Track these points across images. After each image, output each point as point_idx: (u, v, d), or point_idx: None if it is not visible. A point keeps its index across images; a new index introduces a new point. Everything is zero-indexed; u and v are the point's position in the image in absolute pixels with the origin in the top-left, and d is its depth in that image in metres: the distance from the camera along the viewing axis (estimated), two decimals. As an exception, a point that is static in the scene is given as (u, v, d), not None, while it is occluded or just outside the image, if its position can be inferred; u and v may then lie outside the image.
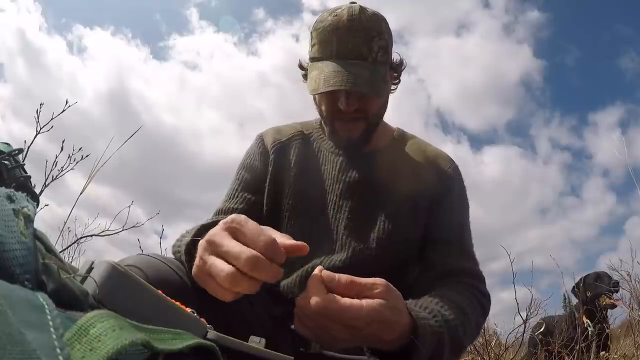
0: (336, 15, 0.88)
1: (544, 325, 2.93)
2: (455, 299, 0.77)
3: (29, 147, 1.79)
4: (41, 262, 0.26)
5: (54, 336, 0.20)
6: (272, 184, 0.99)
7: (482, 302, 0.86)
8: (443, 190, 0.96)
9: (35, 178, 1.21)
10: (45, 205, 2.05)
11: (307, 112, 1.08)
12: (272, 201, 0.98)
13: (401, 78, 1.04)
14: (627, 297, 3.04)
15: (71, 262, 2.35)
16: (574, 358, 2.58)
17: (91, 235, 2.39)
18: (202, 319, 0.40)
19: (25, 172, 1.12)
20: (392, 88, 1.03)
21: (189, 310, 0.39)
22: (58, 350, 0.20)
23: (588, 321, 2.86)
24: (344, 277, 0.60)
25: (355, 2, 0.93)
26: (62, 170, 2.08)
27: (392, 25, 0.97)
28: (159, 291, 0.36)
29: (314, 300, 0.58)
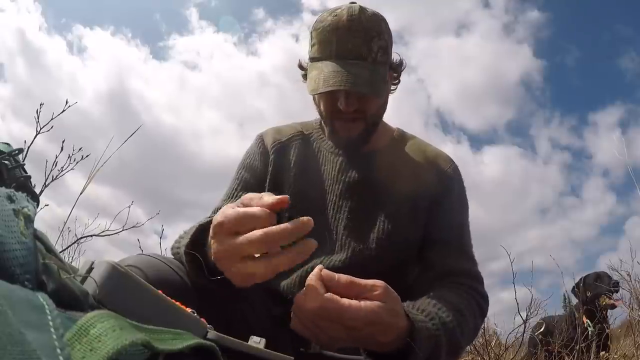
0: (336, 15, 0.88)
1: (544, 325, 2.93)
2: (453, 301, 0.77)
3: (29, 147, 1.79)
4: (41, 262, 0.26)
5: (54, 336, 0.20)
6: (271, 184, 0.99)
7: (480, 303, 0.86)
8: (443, 190, 0.96)
9: (35, 178, 1.21)
10: (45, 205, 2.05)
11: (307, 112, 1.08)
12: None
13: (401, 78, 1.04)
14: (627, 297, 3.05)
15: (71, 262, 2.35)
16: (574, 358, 2.58)
17: (91, 236, 2.39)
18: (202, 319, 0.40)
19: (25, 172, 1.12)
20: (391, 88, 1.03)
21: (189, 310, 0.39)
22: (58, 351, 0.20)
23: (588, 321, 2.86)
24: (343, 278, 0.60)
25: (355, 2, 0.93)
26: (62, 170, 2.08)
27: (392, 25, 0.97)
28: (159, 291, 0.36)
29: (312, 299, 0.58)
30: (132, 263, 0.67)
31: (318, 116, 1.02)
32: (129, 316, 0.27)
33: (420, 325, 0.66)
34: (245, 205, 0.59)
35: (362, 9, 0.89)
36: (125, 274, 0.33)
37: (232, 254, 0.57)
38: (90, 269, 0.33)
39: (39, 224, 0.28)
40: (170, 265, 0.72)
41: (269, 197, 0.57)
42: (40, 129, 1.95)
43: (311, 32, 0.93)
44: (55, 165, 2.06)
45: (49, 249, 0.28)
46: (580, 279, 3.17)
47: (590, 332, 2.77)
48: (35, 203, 0.39)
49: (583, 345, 2.60)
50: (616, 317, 3.14)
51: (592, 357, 2.61)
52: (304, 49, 0.99)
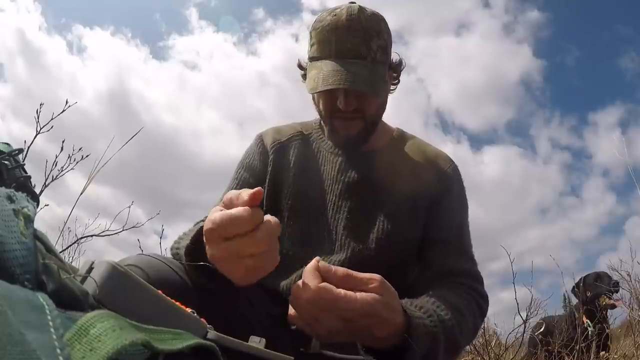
0: (335, 15, 0.88)
1: (544, 325, 2.93)
2: (452, 300, 0.77)
3: (29, 147, 1.79)
4: (41, 262, 0.26)
5: (54, 336, 0.20)
6: (271, 184, 0.99)
7: (480, 303, 0.86)
8: (442, 190, 0.96)
9: (35, 178, 1.21)
10: (45, 205, 2.06)
11: (306, 112, 1.08)
12: (271, 201, 0.98)
13: (401, 78, 1.04)
14: (627, 297, 3.05)
15: (71, 262, 2.35)
16: (574, 358, 2.58)
17: (91, 236, 2.39)
18: (202, 319, 0.40)
19: (25, 172, 1.12)
20: (391, 88, 1.03)
21: (189, 310, 0.39)
22: (58, 351, 0.20)
23: (588, 321, 2.86)
24: (340, 270, 0.60)
25: (355, 2, 0.93)
26: (62, 170, 2.08)
27: (392, 25, 0.97)
28: (159, 291, 0.36)
29: (308, 288, 0.58)
30: (132, 263, 0.67)
31: (318, 116, 1.02)
32: (129, 316, 0.27)
33: (418, 321, 0.66)
34: (226, 207, 0.59)
35: (361, 9, 0.89)
36: (125, 274, 0.33)
37: (229, 255, 0.57)
38: (90, 269, 0.33)
39: (39, 224, 0.28)
40: (170, 265, 0.72)
41: (245, 194, 0.57)
42: (40, 129, 1.95)
43: (310, 32, 0.93)
44: (55, 165, 2.06)
45: (49, 249, 0.28)
46: (580, 279, 3.17)
47: (590, 332, 2.77)
48: (35, 203, 0.39)
49: (583, 345, 2.60)
50: (616, 317, 3.14)
51: (592, 357, 2.61)
52: (303, 49, 0.99)
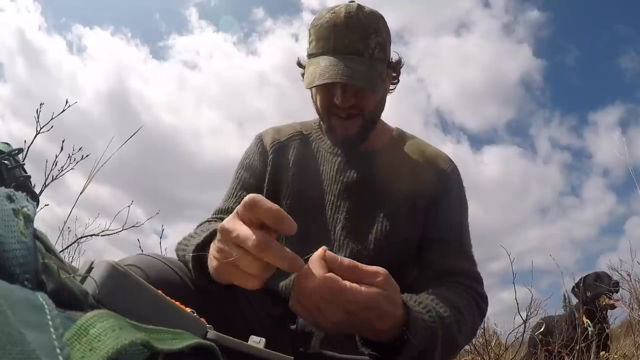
0: (334, 13, 0.88)
1: (544, 325, 2.92)
2: (451, 298, 0.77)
3: (29, 147, 1.79)
4: (41, 262, 0.26)
5: (54, 336, 0.20)
6: (270, 184, 0.99)
7: (479, 303, 0.85)
8: (442, 190, 0.96)
9: (35, 178, 1.21)
10: (45, 205, 2.05)
11: (306, 112, 1.08)
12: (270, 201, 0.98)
13: (400, 78, 1.04)
14: (627, 297, 3.05)
15: (71, 262, 2.35)
16: (574, 358, 2.58)
17: (91, 235, 2.39)
18: (202, 319, 0.40)
19: (25, 172, 1.12)
20: (390, 88, 1.03)
21: (189, 310, 0.39)
22: (58, 350, 0.20)
23: (588, 321, 2.86)
24: (346, 261, 0.60)
25: (354, 1, 0.93)
26: (62, 170, 2.08)
27: (392, 24, 0.98)
28: (159, 291, 0.36)
29: (314, 277, 0.57)
30: (132, 263, 0.67)
31: (317, 116, 1.02)
32: (129, 316, 0.27)
33: (416, 315, 0.66)
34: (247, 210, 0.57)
35: (360, 7, 0.89)
36: (125, 274, 0.33)
37: (227, 261, 0.58)
38: (90, 269, 0.33)
39: (39, 224, 0.28)
40: (170, 265, 0.72)
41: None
42: (40, 128, 1.95)
43: (309, 29, 0.93)
44: (55, 165, 2.06)
45: (49, 249, 0.28)
46: (580, 279, 3.17)
47: (590, 332, 2.77)
48: (35, 203, 0.39)
49: (583, 345, 2.60)
50: (616, 317, 3.14)
51: (592, 357, 2.61)
52: (303, 49, 0.99)
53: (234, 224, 0.57)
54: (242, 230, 0.55)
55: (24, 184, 1.09)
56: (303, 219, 0.95)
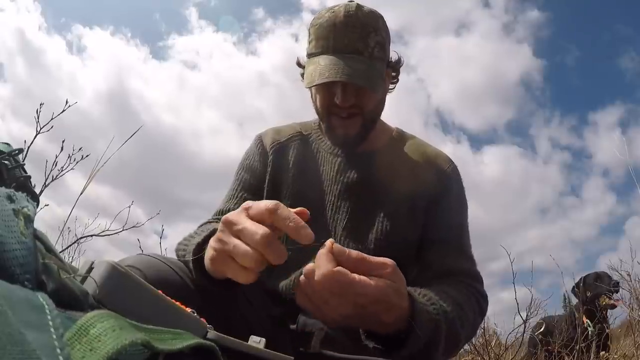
0: (333, 12, 0.88)
1: (544, 325, 2.93)
2: (453, 294, 0.77)
3: (29, 147, 1.79)
4: (41, 262, 0.26)
5: (54, 336, 0.20)
6: (270, 184, 0.99)
7: (480, 301, 0.86)
8: (442, 190, 0.96)
9: (35, 178, 1.21)
10: (45, 205, 2.06)
11: (306, 112, 1.08)
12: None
13: (400, 77, 1.04)
14: (627, 297, 3.05)
15: (71, 262, 2.35)
16: (574, 358, 2.58)
17: (91, 235, 2.40)
18: (202, 319, 0.40)
19: (25, 172, 1.12)
20: (390, 87, 1.03)
21: (189, 310, 0.39)
22: (58, 350, 0.20)
23: (588, 321, 2.86)
24: (354, 253, 0.60)
25: (353, 1, 0.93)
26: (62, 170, 2.08)
27: (392, 24, 0.98)
28: (159, 291, 0.36)
29: (323, 271, 0.57)
30: (132, 263, 0.67)
31: (317, 116, 1.02)
32: (129, 316, 0.27)
33: (421, 307, 0.66)
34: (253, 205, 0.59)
35: (359, 6, 0.89)
36: (125, 274, 0.33)
37: (223, 252, 0.58)
38: (90, 269, 0.33)
39: (39, 224, 0.28)
40: (170, 265, 0.72)
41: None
42: (40, 129, 1.95)
43: (309, 29, 0.93)
44: (55, 165, 2.06)
45: (49, 249, 0.28)
46: (580, 279, 3.17)
47: (590, 332, 2.77)
48: (35, 203, 0.39)
49: (583, 345, 2.60)
50: (616, 317, 3.14)
51: (592, 357, 2.61)
52: (303, 48, 0.99)
53: (239, 218, 0.57)
54: (249, 224, 0.56)
55: (24, 184, 1.09)
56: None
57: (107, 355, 0.21)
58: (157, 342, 0.27)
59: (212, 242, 0.62)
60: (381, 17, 0.93)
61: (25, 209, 0.27)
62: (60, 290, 0.27)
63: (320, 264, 0.58)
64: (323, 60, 0.87)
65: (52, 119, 1.97)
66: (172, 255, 0.83)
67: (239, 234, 0.56)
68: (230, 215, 0.58)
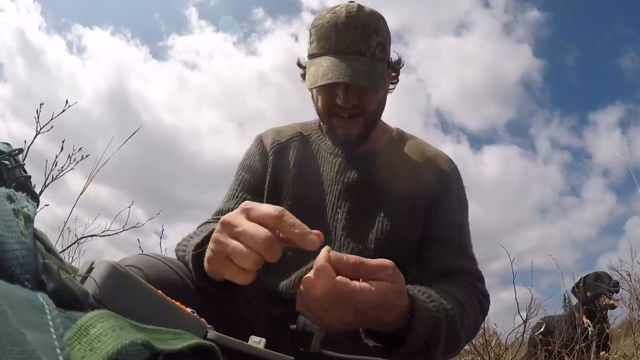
0: (334, 13, 0.88)
1: (544, 325, 2.93)
2: (454, 292, 0.77)
3: (29, 147, 1.79)
4: (41, 262, 0.26)
5: (54, 336, 0.20)
6: (271, 185, 0.99)
7: (481, 300, 0.86)
8: (442, 190, 0.96)
9: (35, 178, 1.21)
10: (45, 205, 2.06)
11: (306, 112, 1.08)
12: (271, 202, 0.98)
13: (400, 77, 1.04)
14: (627, 297, 3.05)
15: (71, 262, 2.36)
16: (574, 358, 2.58)
17: (91, 236, 2.40)
18: (202, 319, 0.40)
19: (25, 172, 1.12)
20: (390, 87, 1.03)
21: (189, 310, 0.39)
22: (58, 351, 0.20)
23: (588, 321, 2.86)
24: (352, 258, 0.60)
25: (354, 1, 0.93)
26: (62, 170, 2.08)
27: (392, 24, 0.98)
28: (159, 291, 0.36)
29: (323, 282, 0.57)
30: (132, 263, 0.67)
31: (317, 117, 1.02)
32: (129, 316, 0.27)
33: (421, 304, 0.66)
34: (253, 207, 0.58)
35: (360, 7, 0.90)
36: (125, 274, 0.33)
37: (221, 252, 0.58)
38: (90, 269, 0.33)
39: (39, 224, 0.28)
40: (171, 265, 0.72)
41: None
42: (40, 129, 1.95)
43: (310, 30, 0.93)
44: (55, 165, 2.06)
45: (49, 249, 0.28)
46: (580, 279, 3.17)
47: (590, 332, 2.77)
48: (35, 203, 0.39)
49: (583, 345, 2.60)
50: (616, 317, 3.15)
51: (592, 357, 2.61)
52: (303, 49, 0.99)
53: (238, 219, 0.57)
54: (249, 226, 0.55)
55: (24, 184, 1.09)
56: (303, 219, 0.95)
57: (107, 355, 0.21)
58: (157, 342, 0.27)
59: (210, 244, 0.62)
60: (382, 18, 0.93)
61: (25, 209, 0.27)
62: (60, 290, 0.27)
63: (320, 274, 0.57)
64: (325, 61, 0.87)
65: (52, 119, 1.97)
66: (172, 255, 0.83)
67: (237, 236, 0.56)
68: (229, 217, 0.58)
